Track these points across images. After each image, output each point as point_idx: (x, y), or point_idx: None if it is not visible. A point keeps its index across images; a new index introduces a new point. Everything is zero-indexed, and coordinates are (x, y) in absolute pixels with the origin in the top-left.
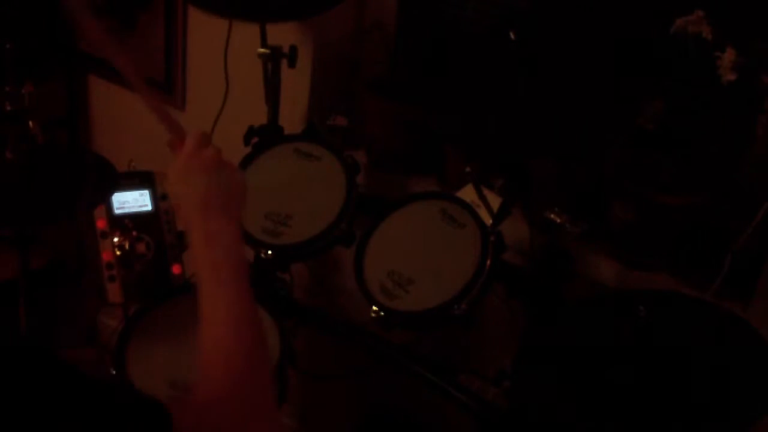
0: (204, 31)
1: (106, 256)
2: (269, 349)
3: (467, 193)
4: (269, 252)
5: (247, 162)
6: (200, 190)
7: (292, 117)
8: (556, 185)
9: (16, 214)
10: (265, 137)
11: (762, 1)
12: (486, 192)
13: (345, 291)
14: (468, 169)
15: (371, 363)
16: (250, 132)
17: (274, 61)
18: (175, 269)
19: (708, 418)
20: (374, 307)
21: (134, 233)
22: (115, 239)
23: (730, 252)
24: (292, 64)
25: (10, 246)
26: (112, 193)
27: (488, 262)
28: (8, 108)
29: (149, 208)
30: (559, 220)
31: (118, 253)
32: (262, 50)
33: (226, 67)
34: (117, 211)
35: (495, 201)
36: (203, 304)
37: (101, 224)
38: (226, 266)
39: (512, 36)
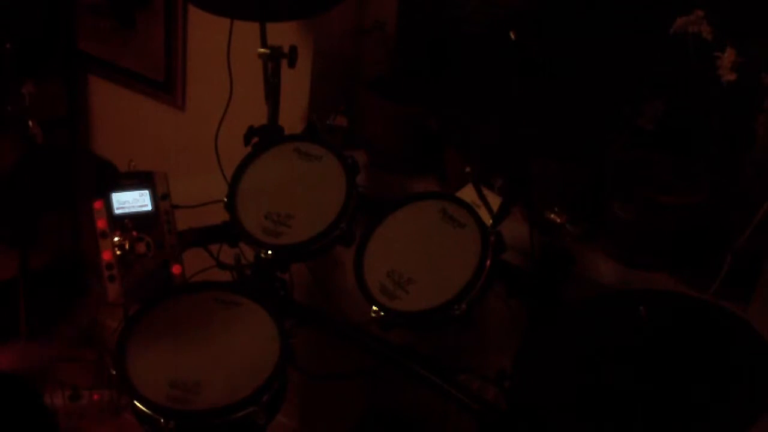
0: (204, 31)
1: (106, 256)
2: (269, 349)
3: (467, 193)
4: (269, 252)
5: (247, 162)
6: None
7: (292, 117)
8: (556, 185)
9: (16, 213)
10: (265, 137)
11: (762, 1)
12: (486, 192)
13: (345, 291)
14: (468, 169)
15: (371, 363)
16: (250, 132)
17: (274, 61)
18: (175, 269)
19: (708, 418)
20: (374, 307)
21: (134, 233)
22: (115, 239)
23: (730, 252)
24: (292, 64)
25: (10, 246)
26: (112, 193)
27: (488, 262)
28: (8, 108)
29: (149, 208)
30: (559, 220)
31: (118, 253)
32: (262, 50)
33: (230, 67)
34: (117, 211)
35: (495, 201)
36: None
37: (101, 224)
38: None
39: (512, 36)
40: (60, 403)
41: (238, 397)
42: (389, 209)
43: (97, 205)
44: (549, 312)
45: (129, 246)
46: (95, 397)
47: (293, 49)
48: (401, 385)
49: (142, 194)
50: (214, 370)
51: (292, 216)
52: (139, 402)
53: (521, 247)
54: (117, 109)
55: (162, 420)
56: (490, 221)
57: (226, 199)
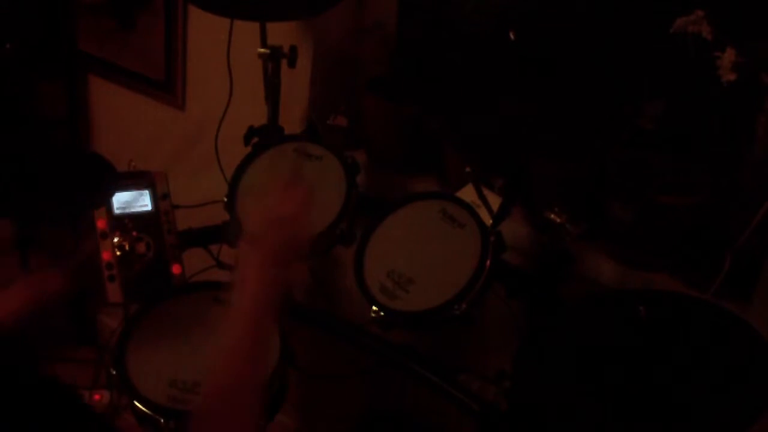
0: (204, 31)
1: (106, 256)
2: (269, 349)
3: (467, 193)
4: None
5: (247, 162)
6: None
7: (292, 117)
8: (556, 185)
9: (16, 214)
10: (265, 137)
11: (762, 1)
12: (486, 192)
13: (345, 291)
14: (468, 169)
15: (371, 363)
16: (250, 132)
17: (274, 61)
18: (175, 269)
19: (708, 417)
20: (374, 307)
21: (134, 233)
22: (115, 239)
23: (730, 252)
24: (292, 64)
25: (10, 246)
26: (112, 193)
27: (488, 262)
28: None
29: (149, 208)
30: (559, 220)
31: (118, 253)
32: (262, 50)
33: (230, 67)
34: (117, 211)
35: (495, 201)
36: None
37: (101, 224)
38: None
39: (512, 36)
40: None
41: None
42: (389, 209)
43: None
44: (549, 312)
45: (129, 246)
46: (95, 397)
47: (293, 49)
48: (401, 385)
49: (142, 194)
50: None
51: None
52: (139, 402)
53: (521, 247)
54: (117, 109)
55: (162, 420)
56: (490, 221)
57: (226, 199)
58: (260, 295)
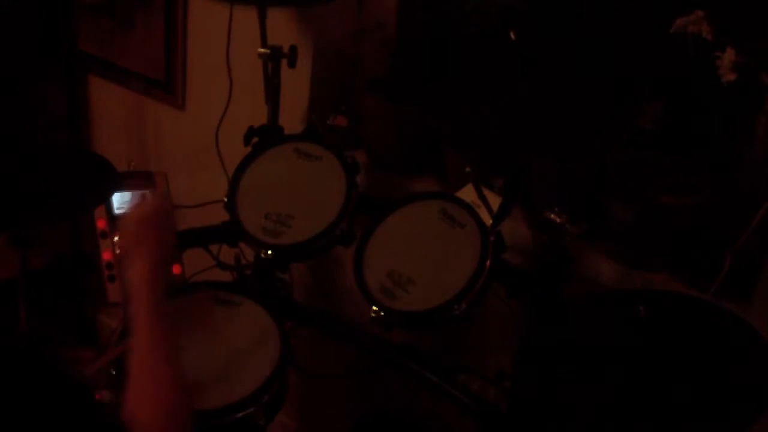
0: (204, 31)
1: (106, 256)
2: (269, 349)
3: (467, 193)
4: (269, 252)
5: (247, 162)
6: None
7: (292, 117)
8: (556, 185)
9: (16, 214)
10: (265, 137)
11: (762, 1)
12: (486, 192)
13: (345, 291)
14: (468, 169)
15: (371, 363)
16: (250, 132)
17: (274, 61)
18: (175, 269)
19: (708, 417)
20: (374, 307)
21: None
22: (115, 239)
23: (730, 252)
24: (292, 64)
25: (10, 246)
26: (112, 193)
27: (488, 262)
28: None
29: None
30: (559, 220)
31: (118, 252)
32: (262, 50)
33: (229, 67)
34: (117, 211)
35: (495, 201)
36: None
37: (101, 224)
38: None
39: (512, 36)
40: None
41: (237, 397)
42: (389, 209)
43: None
44: (549, 312)
45: None
46: (95, 397)
47: (293, 49)
48: (401, 385)
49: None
50: (214, 371)
51: (292, 216)
52: None
53: (521, 247)
54: (117, 109)
55: None
56: (490, 221)
57: (226, 199)
58: (150, 291)
